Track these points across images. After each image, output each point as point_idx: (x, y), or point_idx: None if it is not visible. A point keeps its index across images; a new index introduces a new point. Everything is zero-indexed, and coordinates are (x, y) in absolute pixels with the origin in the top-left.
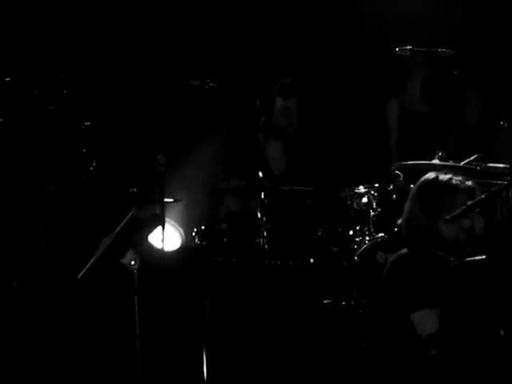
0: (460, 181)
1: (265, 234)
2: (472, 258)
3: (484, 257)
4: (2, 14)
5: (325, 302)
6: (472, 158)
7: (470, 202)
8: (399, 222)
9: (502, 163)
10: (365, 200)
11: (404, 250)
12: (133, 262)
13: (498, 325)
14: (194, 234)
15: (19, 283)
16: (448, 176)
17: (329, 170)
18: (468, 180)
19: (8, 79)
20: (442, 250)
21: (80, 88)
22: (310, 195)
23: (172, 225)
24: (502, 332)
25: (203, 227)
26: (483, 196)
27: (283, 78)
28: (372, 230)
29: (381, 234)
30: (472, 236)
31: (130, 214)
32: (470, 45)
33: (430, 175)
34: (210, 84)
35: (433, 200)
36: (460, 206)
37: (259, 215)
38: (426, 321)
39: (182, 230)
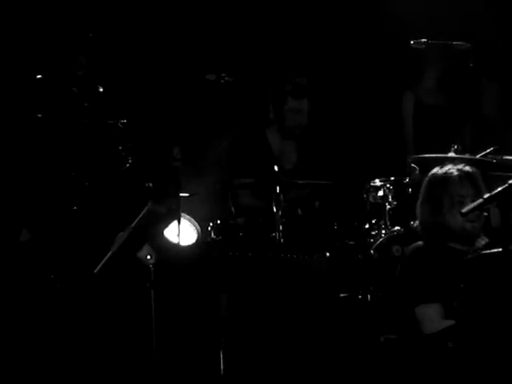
0: (455, 170)
1: (280, 228)
2: (488, 251)
3: (500, 250)
4: (19, 13)
5: (341, 295)
6: (488, 150)
7: (486, 195)
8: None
9: None
10: (381, 193)
11: (420, 243)
12: (149, 257)
13: None
14: (209, 228)
15: (36, 278)
16: (445, 168)
17: (345, 164)
18: (465, 167)
19: (39, 76)
20: (454, 241)
21: (98, 85)
22: (317, 197)
23: (188, 219)
24: None
25: (219, 222)
26: (500, 189)
27: (298, 78)
28: (388, 223)
29: (397, 228)
30: (482, 224)
31: (146, 208)
32: (487, 37)
33: (432, 171)
34: (226, 78)
35: (430, 195)
36: (456, 194)
37: (275, 209)
38: (428, 318)
39: (197, 225)
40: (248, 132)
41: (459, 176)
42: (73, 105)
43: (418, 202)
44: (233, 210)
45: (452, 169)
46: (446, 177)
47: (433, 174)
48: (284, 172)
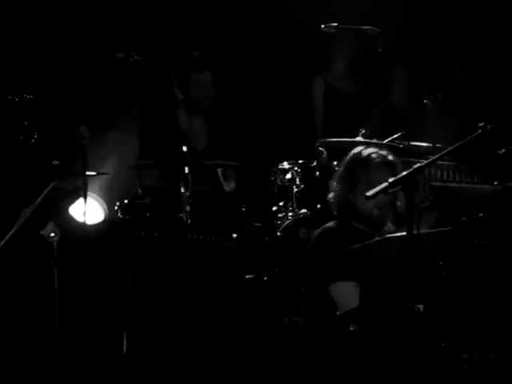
0: (379, 155)
1: (188, 208)
2: (392, 235)
3: (404, 234)
4: None
5: (247, 277)
6: (395, 136)
7: (391, 179)
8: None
9: (425, 142)
10: (288, 176)
11: (330, 223)
12: (52, 234)
13: (416, 301)
14: (116, 207)
15: None
16: (369, 151)
17: (253, 146)
18: (389, 155)
19: None
20: (362, 224)
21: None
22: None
23: (95, 198)
24: (421, 308)
25: (126, 201)
26: (404, 173)
27: (194, 51)
28: (295, 205)
29: (303, 210)
30: (392, 212)
31: (51, 185)
32: (396, 23)
33: (355, 149)
34: (135, 57)
35: (349, 173)
36: (375, 180)
37: (182, 190)
38: (345, 295)
39: (105, 204)
40: (158, 112)
41: (380, 162)
42: None
43: (336, 176)
44: (140, 191)
45: (375, 153)
46: (368, 160)
47: (356, 154)
48: (195, 153)
